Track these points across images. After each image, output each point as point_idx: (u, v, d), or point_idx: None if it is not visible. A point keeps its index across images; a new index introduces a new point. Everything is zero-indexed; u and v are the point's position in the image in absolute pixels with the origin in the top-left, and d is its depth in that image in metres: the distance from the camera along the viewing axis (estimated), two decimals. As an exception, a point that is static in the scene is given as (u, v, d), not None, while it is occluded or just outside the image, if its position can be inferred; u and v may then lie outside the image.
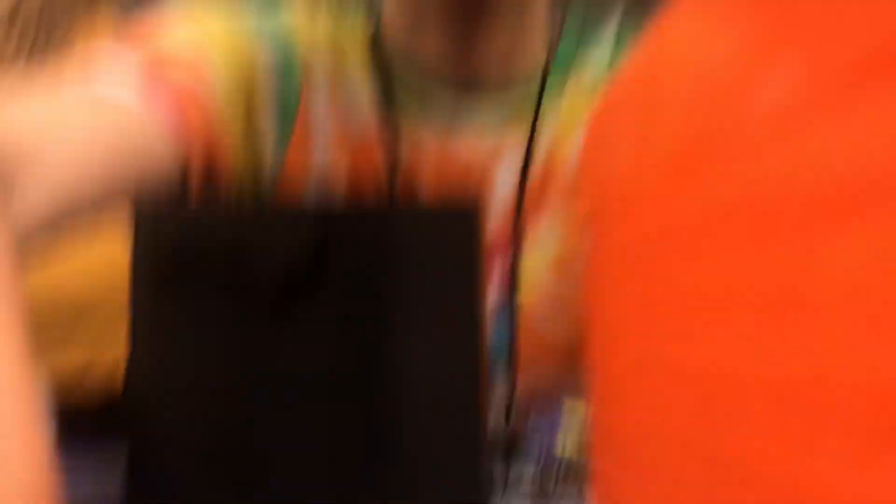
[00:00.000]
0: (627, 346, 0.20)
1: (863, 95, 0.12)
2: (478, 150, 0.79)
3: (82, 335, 1.63)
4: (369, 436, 0.39)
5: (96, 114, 0.55)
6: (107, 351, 1.67)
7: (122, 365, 0.44)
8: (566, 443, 0.61)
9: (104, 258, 1.67)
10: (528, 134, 0.79)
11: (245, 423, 0.40)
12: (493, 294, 0.78)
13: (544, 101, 0.79)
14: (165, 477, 0.40)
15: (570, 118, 0.80)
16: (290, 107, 0.80)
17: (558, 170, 0.79)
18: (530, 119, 0.80)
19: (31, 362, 0.44)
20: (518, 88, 0.80)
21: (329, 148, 0.80)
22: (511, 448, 0.63)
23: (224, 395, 0.41)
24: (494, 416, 0.78)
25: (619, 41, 0.79)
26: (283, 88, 0.80)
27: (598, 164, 0.24)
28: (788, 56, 0.14)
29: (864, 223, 0.11)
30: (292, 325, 0.40)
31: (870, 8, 0.11)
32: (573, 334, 0.78)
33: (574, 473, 0.57)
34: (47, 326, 1.60)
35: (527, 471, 0.62)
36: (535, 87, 0.79)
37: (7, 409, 0.44)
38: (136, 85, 0.62)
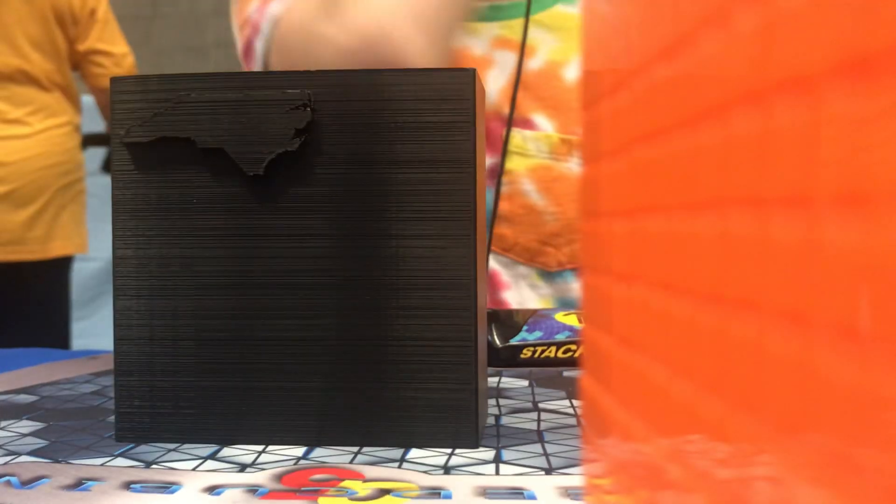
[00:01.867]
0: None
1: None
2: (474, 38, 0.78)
3: None
4: (364, 319, 0.39)
5: None
6: None
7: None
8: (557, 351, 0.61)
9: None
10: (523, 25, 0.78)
11: (233, 304, 0.40)
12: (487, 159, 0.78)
13: None
14: (153, 361, 0.40)
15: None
16: None
17: (559, 68, 0.78)
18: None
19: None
20: None
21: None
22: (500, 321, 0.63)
23: (210, 270, 0.40)
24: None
25: None
26: None
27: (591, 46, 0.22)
28: None
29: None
30: (279, 192, 0.39)
31: None
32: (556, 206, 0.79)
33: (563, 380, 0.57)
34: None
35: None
36: None
37: None
38: None
